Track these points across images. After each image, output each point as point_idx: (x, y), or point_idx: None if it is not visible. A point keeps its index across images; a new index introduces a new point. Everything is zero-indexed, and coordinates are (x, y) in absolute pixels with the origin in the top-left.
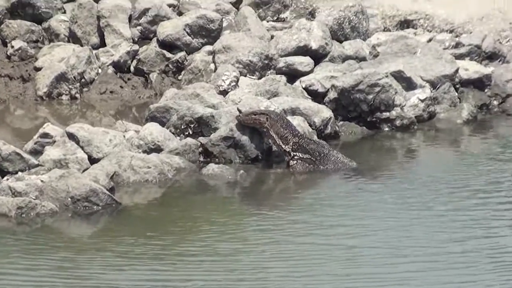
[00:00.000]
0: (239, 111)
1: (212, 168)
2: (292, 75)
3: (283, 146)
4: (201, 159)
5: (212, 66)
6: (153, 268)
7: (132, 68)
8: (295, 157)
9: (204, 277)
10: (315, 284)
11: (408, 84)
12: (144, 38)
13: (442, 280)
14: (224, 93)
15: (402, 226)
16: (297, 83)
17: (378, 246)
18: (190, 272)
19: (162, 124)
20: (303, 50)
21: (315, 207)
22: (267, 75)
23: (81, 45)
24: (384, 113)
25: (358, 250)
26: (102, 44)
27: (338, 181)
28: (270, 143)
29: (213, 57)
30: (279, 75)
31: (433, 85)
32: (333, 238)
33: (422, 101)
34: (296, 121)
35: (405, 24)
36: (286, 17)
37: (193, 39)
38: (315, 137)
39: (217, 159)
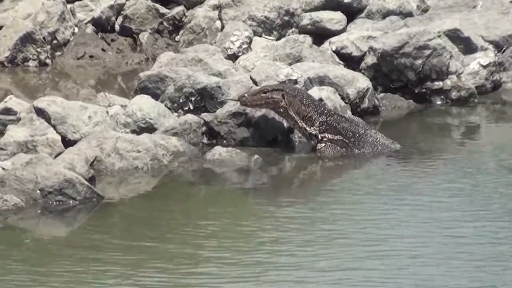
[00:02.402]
0: (244, 97)
1: (219, 152)
2: (320, 35)
3: (307, 128)
4: (205, 140)
5: (218, 23)
6: (141, 281)
7: (117, 27)
8: (324, 139)
9: None
10: None
11: (467, 46)
12: None
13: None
14: (233, 57)
15: (457, 228)
16: (325, 45)
17: (424, 254)
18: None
19: (156, 97)
20: (333, 3)
21: (347, 203)
22: (288, 35)
23: None
24: (436, 83)
25: (398, 257)
26: None
27: (377, 168)
28: (291, 125)
29: (219, 13)
30: (303, 35)
31: (498, 47)
32: (370, 245)
33: (484, 67)
34: (325, 93)
35: None
36: None
37: None
38: (348, 113)
39: (225, 141)
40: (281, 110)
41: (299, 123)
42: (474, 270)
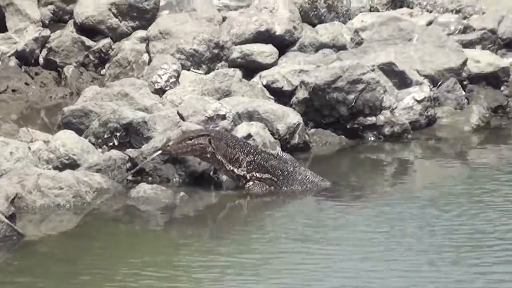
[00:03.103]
0: (167, 142)
1: (144, 189)
2: (250, 68)
3: (235, 170)
4: (130, 177)
5: (145, 57)
6: None
7: (41, 60)
8: (252, 178)
9: None
10: None
11: (401, 81)
12: (58, 20)
13: None
14: (160, 92)
15: (385, 268)
16: (256, 79)
17: None
18: None
19: (80, 132)
20: (264, 36)
21: (273, 240)
22: (217, 69)
23: None
24: (369, 118)
25: None
26: (2, 28)
27: (305, 206)
28: (217, 169)
29: (147, 46)
30: (232, 69)
31: (434, 81)
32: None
33: (419, 102)
34: (254, 129)
35: (398, 2)
36: None
37: (121, 22)
38: (278, 149)
39: (150, 178)
40: (208, 155)
41: (226, 166)
42: None
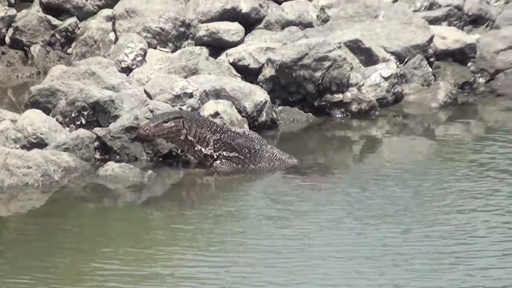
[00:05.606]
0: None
1: (112, 167)
2: (216, 46)
3: (203, 149)
4: (98, 156)
5: (111, 35)
6: None
7: (7, 39)
8: (219, 157)
9: None
10: None
11: (368, 58)
12: (23, 0)
13: None
14: (127, 70)
15: (352, 244)
16: (222, 56)
17: (318, 267)
18: None
19: (47, 111)
20: (230, 14)
21: (240, 217)
22: (184, 47)
23: None
24: (336, 95)
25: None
26: None
27: (273, 183)
28: (185, 151)
29: (113, 24)
30: (199, 47)
31: (400, 58)
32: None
33: (386, 79)
34: (221, 107)
35: None
36: None
37: (86, 0)
38: (245, 127)
39: (118, 156)
40: (182, 137)
41: (195, 147)
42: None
